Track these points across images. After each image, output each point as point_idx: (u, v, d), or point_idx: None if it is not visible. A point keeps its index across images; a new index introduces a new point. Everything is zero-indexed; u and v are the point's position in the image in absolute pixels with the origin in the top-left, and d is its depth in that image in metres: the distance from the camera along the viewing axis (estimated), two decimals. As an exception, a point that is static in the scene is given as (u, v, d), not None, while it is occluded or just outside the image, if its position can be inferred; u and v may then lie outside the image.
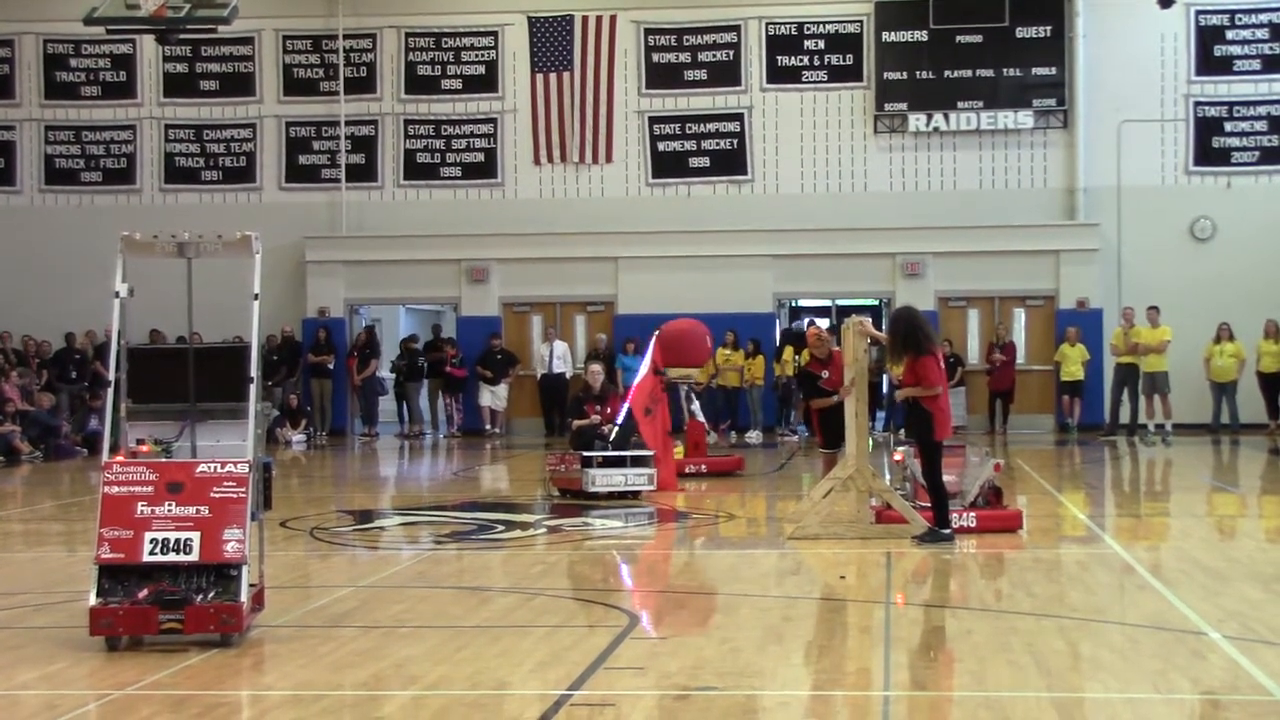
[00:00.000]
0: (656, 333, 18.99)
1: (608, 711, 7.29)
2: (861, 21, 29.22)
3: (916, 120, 28.90)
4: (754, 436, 27.44)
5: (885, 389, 25.72)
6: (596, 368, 19.26)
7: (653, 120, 29.56)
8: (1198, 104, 28.57)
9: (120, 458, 8.96)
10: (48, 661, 8.43)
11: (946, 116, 28.80)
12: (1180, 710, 7.36)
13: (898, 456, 14.19)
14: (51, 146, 30.63)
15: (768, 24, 29.39)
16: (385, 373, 29.81)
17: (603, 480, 16.76)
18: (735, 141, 29.43)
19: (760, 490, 18.77)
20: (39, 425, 24.65)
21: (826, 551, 12.63)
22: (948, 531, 12.78)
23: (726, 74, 29.47)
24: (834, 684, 7.90)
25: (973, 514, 13.47)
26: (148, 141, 30.46)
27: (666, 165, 29.53)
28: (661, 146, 29.53)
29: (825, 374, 15.73)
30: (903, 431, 15.56)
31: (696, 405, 20.92)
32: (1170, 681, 7.74)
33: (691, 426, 20.46)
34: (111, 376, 9.23)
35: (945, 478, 13.10)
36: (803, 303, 30.81)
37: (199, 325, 11.00)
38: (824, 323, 23.36)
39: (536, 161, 29.73)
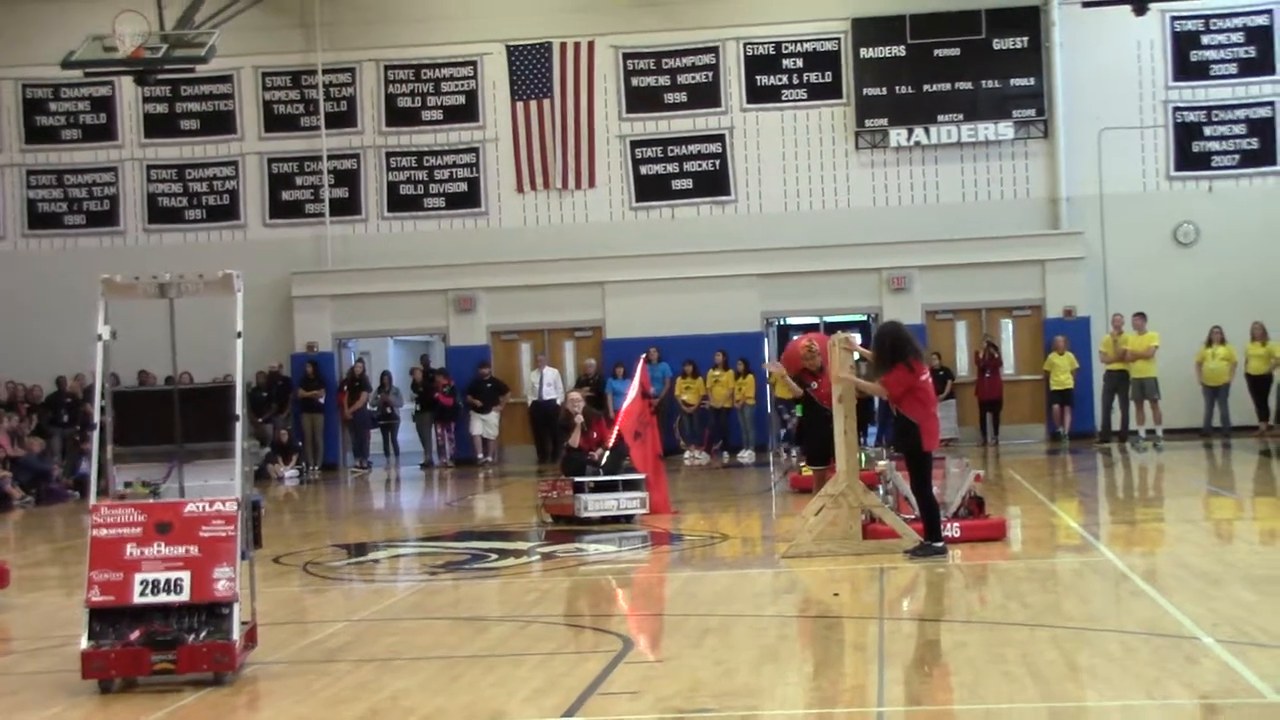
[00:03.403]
0: (643, 357, 19.01)
1: (604, 737, 7.28)
2: (839, 39, 29.31)
3: (897, 135, 28.97)
4: (746, 456, 27.42)
5: (875, 404, 25.67)
6: (576, 395, 19.21)
7: (634, 144, 29.61)
8: (1176, 109, 28.67)
9: (107, 501, 8.95)
10: (42, 706, 8.41)
11: (927, 130, 28.88)
12: (1176, 716, 7.36)
13: (878, 468, 14.22)
14: (34, 191, 30.63)
15: (745, 44, 29.46)
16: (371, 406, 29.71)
17: (595, 505, 16.78)
18: (717, 162, 29.48)
19: (754, 510, 18.76)
20: (29, 470, 24.62)
21: (820, 569, 12.62)
22: (940, 545, 12.80)
23: (706, 95, 29.53)
24: (830, 701, 7.90)
25: (956, 524, 13.55)
26: (130, 183, 30.47)
27: (649, 188, 29.57)
28: (644, 170, 29.58)
29: (814, 385, 15.73)
30: (893, 446, 15.56)
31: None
32: (1165, 688, 7.74)
33: None
34: (96, 420, 9.22)
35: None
36: (790, 320, 30.83)
37: (190, 364, 11.02)
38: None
39: (520, 189, 29.76)
